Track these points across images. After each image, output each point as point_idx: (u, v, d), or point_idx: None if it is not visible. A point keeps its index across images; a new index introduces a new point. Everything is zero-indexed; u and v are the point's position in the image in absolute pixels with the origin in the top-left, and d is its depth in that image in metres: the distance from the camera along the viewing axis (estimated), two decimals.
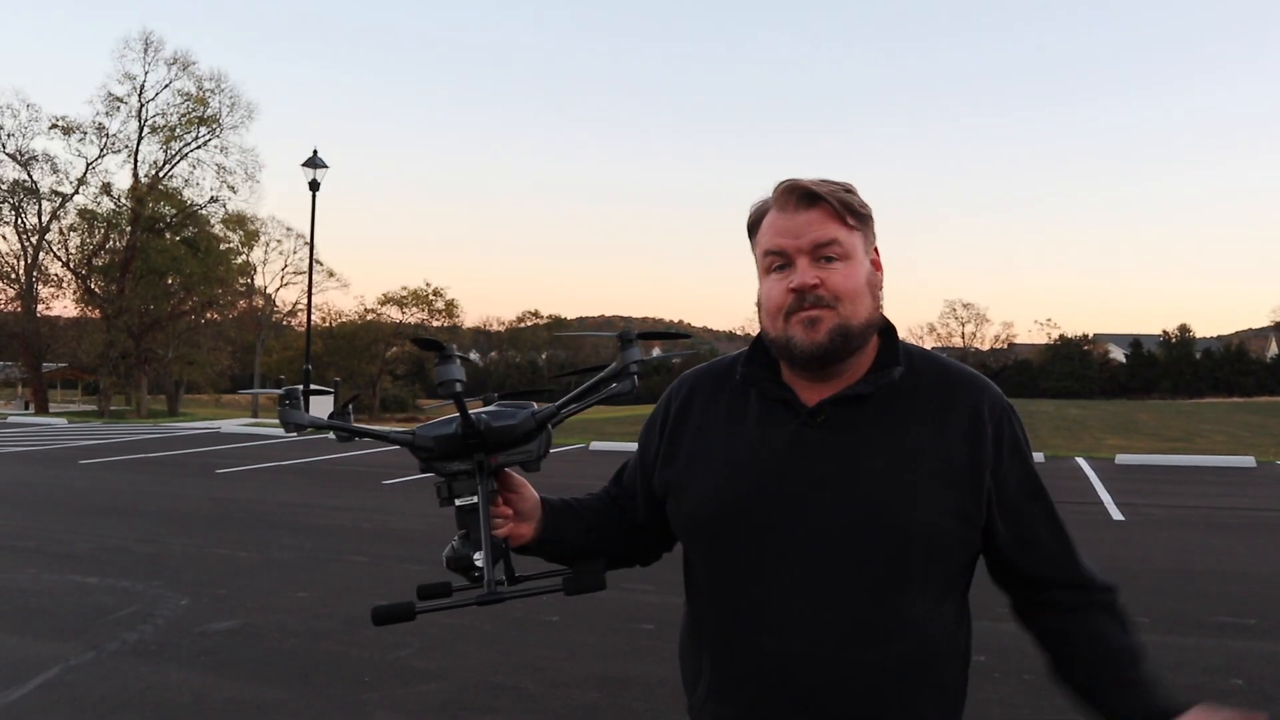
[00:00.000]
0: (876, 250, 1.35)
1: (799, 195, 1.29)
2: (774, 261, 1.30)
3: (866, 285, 1.30)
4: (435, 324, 48.06)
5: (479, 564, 1.24)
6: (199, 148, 31.52)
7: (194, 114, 30.98)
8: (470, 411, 1.23)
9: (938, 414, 1.30)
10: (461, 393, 1.19)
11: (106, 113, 30.53)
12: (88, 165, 30.80)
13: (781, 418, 1.32)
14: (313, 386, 22.76)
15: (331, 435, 1.29)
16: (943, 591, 1.29)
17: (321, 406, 23.34)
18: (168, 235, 31.45)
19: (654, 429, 1.45)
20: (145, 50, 30.40)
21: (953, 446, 1.28)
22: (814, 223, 1.28)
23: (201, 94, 30.97)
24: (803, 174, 1.31)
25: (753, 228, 1.35)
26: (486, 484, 1.26)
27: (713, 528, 1.32)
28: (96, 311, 31.18)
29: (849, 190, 1.31)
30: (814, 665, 1.24)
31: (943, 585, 1.29)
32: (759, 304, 1.34)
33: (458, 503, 1.26)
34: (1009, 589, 1.38)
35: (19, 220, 31.08)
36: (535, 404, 1.30)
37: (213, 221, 32.94)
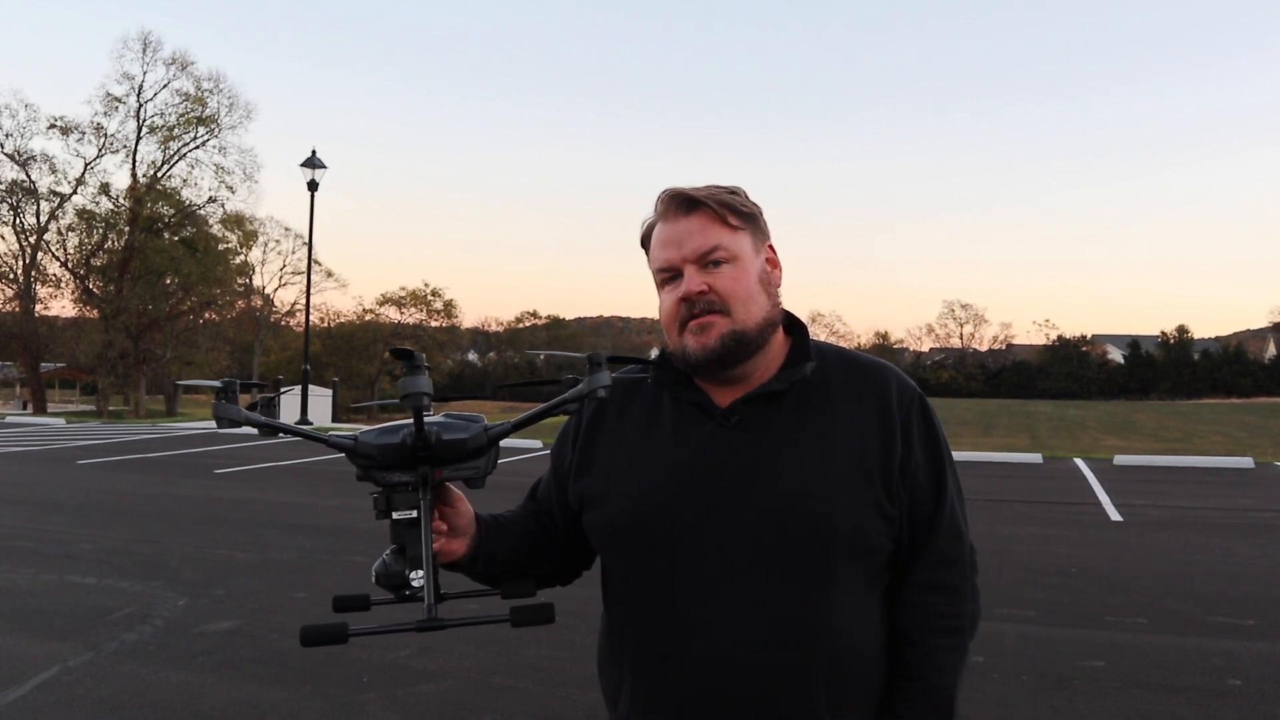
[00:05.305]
0: (772, 248, 1.36)
1: (679, 202, 1.29)
2: (665, 277, 1.30)
3: (759, 285, 1.30)
4: (434, 324, 48.11)
5: (415, 583, 1.17)
6: (197, 148, 31.50)
7: (192, 114, 30.95)
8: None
9: (851, 407, 1.30)
10: (426, 406, 1.12)
11: (105, 113, 30.52)
12: (86, 165, 30.79)
13: (695, 420, 1.31)
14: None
15: (269, 433, 1.21)
16: (866, 590, 1.29)
17: (321, 407, 23.32)
18: (166, 235, 31.41)
19: (566, 442, 1.44)
20: (144, 50, 30.38)
21: (867, 440, 1.28)
22: (695, 229, 1.28)
23: (200, 94, 30.95)
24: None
25: (645, 242, 1.35)
26: (429, 499, 1.20)
27: (632, 535, 1.30)
28: (95, 312, 31.15)
29: (732, 192, 1.31)
30: (741, 669, 1.23)
31: (866, 584, 1.29)
32: (661, 320, 1.34)
33: (395, 516, 1.20)
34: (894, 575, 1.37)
35: (17, 220, 31.06)
36: (485, 418, 1.24)
37: (211, 222, 32.91)
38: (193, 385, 1.40)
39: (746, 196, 1.33)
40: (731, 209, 1.29)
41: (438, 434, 1.18)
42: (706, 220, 1.28)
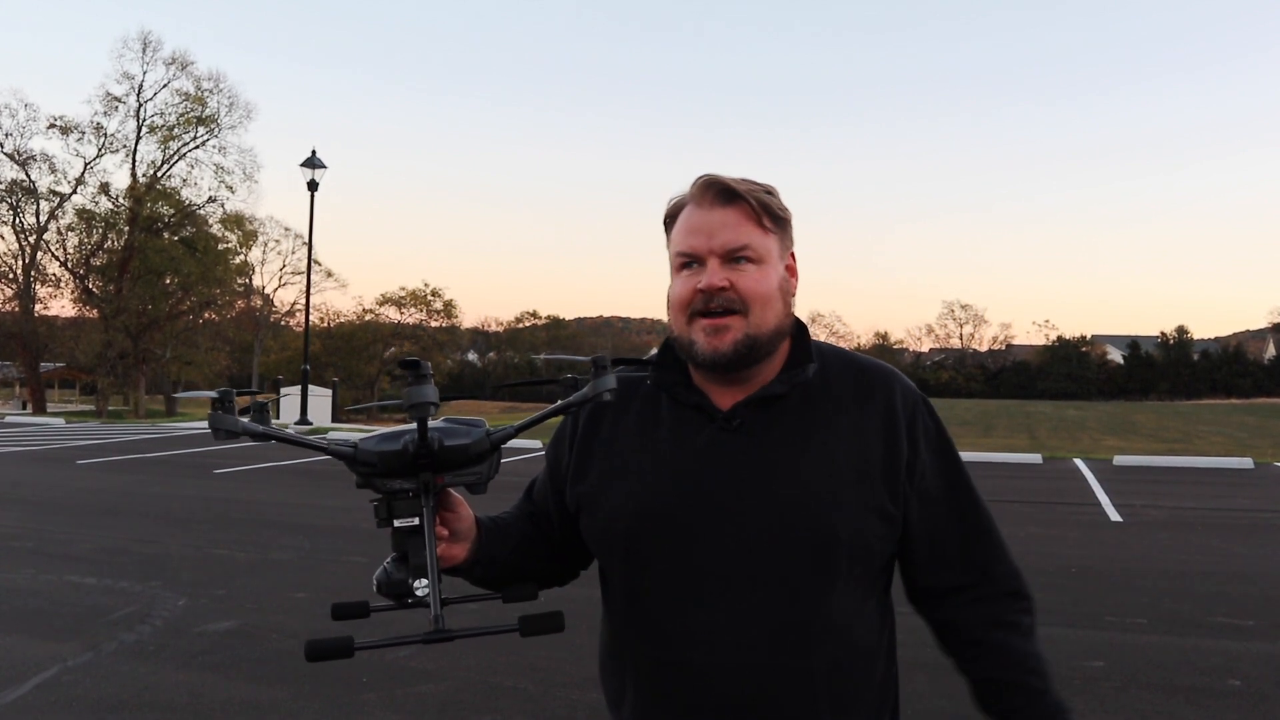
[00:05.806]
0: (793, 256, 1.33)
1: (717, 191, 1.25)
2: (684, 261, 1.27)
3: (778, 290, 1.27)
4: (434, 324, 48.09)
5: (419, 592, 1.15)
6: (197, 148, 31.54)
7: (192, 114, 30.98)
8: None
9: (853, 410, 1.29)
10: (431, 415, 1.10)
11: (104, 112, 30.54)
12: (85, 165, 30.79)
13: (696, 423, 1.29)
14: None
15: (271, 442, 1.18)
16: (866, 592, 1.28)
17: (320, 408, 23.32)
18: (166, 235, 31.44)
19: (563, 443, 1.40)
20: (144, 50, 30.41)
21: (870, 443, 1.27)
22: (729, 223, 1.25)
23: (200, 94, 30.98)
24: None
25: (669, 222, 1.32)
26: (432, 506, 1.17)
27: (631, 540, 1.28)
28: (94, 311, 31.15)
29: (770, 192, 1.28)
30: (744, 675, 1.22)
31: (866, 586, 1.28)
32: (668, 301, 1.31)
33: (397, 524, 1.17)
34: (914, 586, 1.36)
35: (17, 220, 31.06)
36: (486, 421, 1.22)
37: (211, 221, 32.95)
38: (188, 396, 1.34)
39: (781, 199, 1.30)
40: (768, 210, 1.26)
41: (440, 440, 1.15)
42: (742, 216, 1.25)
